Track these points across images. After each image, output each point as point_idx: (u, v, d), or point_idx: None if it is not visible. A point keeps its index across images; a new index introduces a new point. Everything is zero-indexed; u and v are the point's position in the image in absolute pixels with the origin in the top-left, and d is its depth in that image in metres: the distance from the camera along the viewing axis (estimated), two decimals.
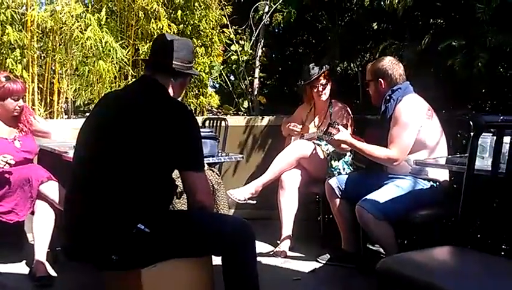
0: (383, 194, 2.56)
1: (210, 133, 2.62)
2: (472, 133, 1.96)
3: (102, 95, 3.56)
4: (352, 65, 5.08)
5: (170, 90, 1.83)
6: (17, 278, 2.73)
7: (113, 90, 3.12)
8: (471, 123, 2.71)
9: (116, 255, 1.60)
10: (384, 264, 1.74)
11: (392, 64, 2.75)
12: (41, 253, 2.69)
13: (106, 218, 1.64)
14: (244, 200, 3.27)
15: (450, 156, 2.60)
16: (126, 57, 3.90)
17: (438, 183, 2.64)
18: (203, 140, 2.51)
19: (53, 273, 2.70)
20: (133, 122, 1.71)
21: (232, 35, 4.44)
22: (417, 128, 2.60)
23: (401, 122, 2.61)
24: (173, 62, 1.84)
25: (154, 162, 1.68)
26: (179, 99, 3.47)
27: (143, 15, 3.91)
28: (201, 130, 2.84)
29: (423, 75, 3.18)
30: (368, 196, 2.56)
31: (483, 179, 1.98)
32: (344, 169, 3.21)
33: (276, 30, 5.29)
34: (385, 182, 2.69)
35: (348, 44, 4.41)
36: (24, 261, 2.94)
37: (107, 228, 1.63)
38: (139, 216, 1.64)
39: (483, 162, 2.09)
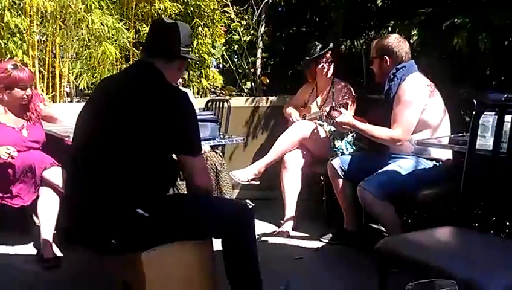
0: (385, 175, 2.56)
1: (211, 116, 2.62)
2: (474, 112, 1.95)
3: (100, 79, 3.57)
4: (356, 43, 5.01)
5: (167, 74, 1.82)
6: (26, 260, 2.78)
7: (110, 74, 3.10)
8: (474, 102, 2.71)
9: (115, 239, 1.62)
10: (384, 244, 1.76)
11: (398, 42, 2.71)
12: (47, 235, 2.72)
13: (105, 202, 1.65)
14: (247, 181, 3.28)
15: (452, 135, 2.58)
16: (128, 39, 3.87)
17: (440, 163, 2.63)
18: (204, 123, 2.57)
19: (60, 254, 2.74)
20: (129, 107, 1.70)
21: (233, 15, 4.39)
22: (421, 108, 2.58)
23: (404, 102, 2.59)
24: (170, 46, 1.83)
25: (151, 146, 1.68)
26: (180, 81, 3.51)
27: None
28: (203, 113, 2.87)
29: (428, 53, 3.14)
30: (370, 177, 2.56)
31: (485, 159, 1.96)
32: (347, 149, 3.20)
33: (280, 9, 5.22)
34: (388, 162, 2.69)
35: (351, 22, 4.34)
36: (32, 244, 2.99)
37: (106, 212, 1.65)
38: (137, 200, 1.65)
39: (485, 141, 2.07)
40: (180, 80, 3.58)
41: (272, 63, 5.14)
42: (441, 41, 3.01)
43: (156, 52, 1.85)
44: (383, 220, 2.60)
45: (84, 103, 1.92)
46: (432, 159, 2.63)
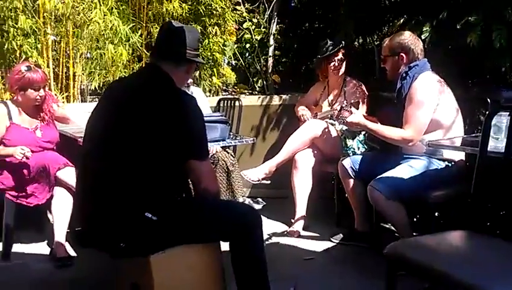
0: (396, 175, 2.54)
1: (221, 118, 2.62)
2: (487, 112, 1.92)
3: (112, 80, 3.60)
4: (368, 40, 4.96)
5: (175, 78, 1.83)
6: (39, 259, 2.83)
7: (119, 78, 3.12)
8: (488, 100, 2.66)
9: (125, 242, 1.64)
10: (393, 248, 1.74)
11: (413, 39, 2.69)
12: (61, 235, 2.77)
13: (113, 206, 1.67)
14: (258, 181, 3.29)
15: (465, 136, 2.54)
16: (138, 40, 3.90)
17: (453, 163, 2.60)
18: (213, 124, 2.58)
19: (73, 253, 2.78)
20: (137, 112, 1.72)
21: (245, 13, 4.38)
22: (433, 108, 2.55)
23: (416, 101, 2.56)
24: (178, 49, 1.84)
25: (158, 151, 1.70)
26: (191, 80, 3.52)
27: None
28: (212, 114, 2.88)
29: (441, 51, 3.09)
30: (380, 176, 2.54)
31: (497, 161, 1.93)
32: (359, 148, 3.18)
33: (293, 4, 5.18)
34: (399, 162, 2.67)
35: (363, 18, 4.29)
36: (46, 242, 3.04)
37: (115, 216, 1.67)
38: (146, 204, 1.67)
39: (498, 143, 2.04)
40: (191, 79, 3.59)
41: (283, 60, 5.11)
42: (453, 38, 2.95)
43: (164, 55, 1.86)
44: (393, 220, 2.58)
45: (95, 105, 1.94)
46: (444, 160, 2.60)
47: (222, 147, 3.40)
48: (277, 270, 2.49)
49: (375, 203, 2.55)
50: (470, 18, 2.82)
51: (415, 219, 3.02)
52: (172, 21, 1.95)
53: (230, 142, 2.77)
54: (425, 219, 2.84)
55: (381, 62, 2.78)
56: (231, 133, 3.03)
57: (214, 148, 3.33)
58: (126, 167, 1.68)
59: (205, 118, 2.57)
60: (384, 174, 2.54)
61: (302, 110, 3.59)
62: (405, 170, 2.55)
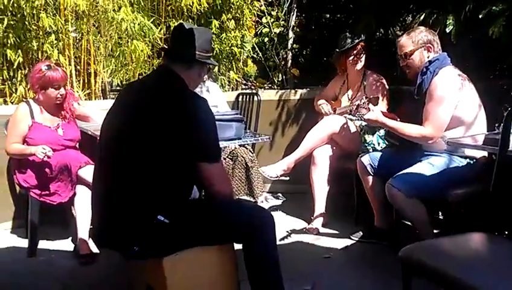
0: (415, 172, 2.49)
1: (236, 116, 2.62)
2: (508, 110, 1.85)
3: (132, 77, 3.62)
4: (390, 31, 4.84)
5: (187, 80, 1.84)
6: (63, 256, 2.91)
7: (132, 81, 3.14)
8: None
9: (138, 245, 1.66)
10: (408, 252, 1.71)
11: (432, 32, 2.64)
12: (83, 232, 2.82)
13: (126, 210, 1.70)
14: (277, 177, 3.28)
15: (488, 133, 2.46)
16: (158, 36, 3.91)
17: (474, 160, 2.53)
18: (229, 123, 2.58)
19: (96, 250, 2.83)
20: (148, 115, 1.73)
21: (263, 7, 4.34)
22: (454, 104, 2.48)
23: (436, 98, 2.49)
24: (189, 52, 1.84)
25: (170, 154, 1.71)
26: (206, 76, 3.52)
27: None
28: (227, 112, 2.88)
29: (465, 44, 3.00)
30: (399, 174, 2.50)
31: None
32: (379, 144, 3.11)
33: None
34: (419, 159, 2.61)
35: (385, 9, 4.18)
36: (70, 238, 3.11)
37: (128, 219, 1.69)
38: (158, 207, 1.68)
39: None
40: (206, 75, 3.58)
41: (304, 53, 5.06)
42: (476, 30, 2.85)
43: (175, 57, 1.87)
44: (412, 218, 2.54)
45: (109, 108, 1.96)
46: (465, 157, 2.53)
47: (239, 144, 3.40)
48: (295, 268, 2.51)
49: (394, 202, 2.51)
50: (493, 8, 2.72)
51: (438, 216, 2.98)
52: (184, 23, 1.95)
53: (246, 141, 2.77)
54: (447, 217, 2.78)
55: (401, 61, 2.69)
56: (248, 131, 3.02)
57: (232, 145, 3.34)
58: (138, 171, 1.70)
59: (220, 117, 2.64)
60: (402, 172, 2.50)
61: (322, 103, 3.55)
62: (425, 168, 2.50)
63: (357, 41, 3.33)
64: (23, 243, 3.04)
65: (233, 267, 1.81)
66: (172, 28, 2.09)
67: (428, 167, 2.50)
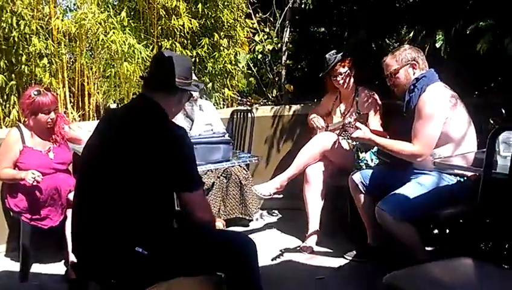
0: (403, 193, 2.47)
1: (222, 138, 2.61)
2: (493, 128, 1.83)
3: (123, 101, 3.60)
4: (386, 42, 4.84)
5: (167, 108, 1.84)
6: (55, 279, 2.89)
7: (113, 109, 3.15)
8: (503, 110, 2.55)
9: (115, 278, 1.65)
10: (392, 278, 1.68)
11: (416, 50, 2.65)
12: (73, 256, 2.81)
13: (103, 241, 1.69)
14: (270, 195, 3.26)
15: (478, 151, 2.44)
16: (150, 56, 3.93)
17: (465, 178, 2.50)
18: (216, 145, 2.57)
19: None
20: (126, 145, 1.73)
21: (255, 25, 4.36)
22: (442, 121, 2.46)
23: (425, 115, 2.48)
24: (168, 79, 1.84)
25: (149, 185, 1.70)
26: (197, 94, 3.52)
27: (164, 12, 3.91)
28: (214, 135, 2.87)
29: (454, 59, 2.99)
30: (388, 196, 2.48)
31: (505, 182, 1.84)
32: (372, 160, 3.10)
33: (307, 9, 5.10)
34: (409, 178, 2.59)
35: (379, 21, 4.18)
36: (63, 262, 3.10)
37: (105, 251, 1.68)
38: (136, 238, 1.67)
39: (507, 162, 1.94)
40: (198, 94, 3.59)
41: (299, 67, 5.05)
42: (464, 46, 2.84)
43: (154, 85, 1.87)
44: (403, 241, 2.50)
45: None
46: (456, 175, 2.50)
47: None
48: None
49: (383, 225, 2.49)
50: (481, 23, 2.71)
51: (432, 232, 2.94)
52: (164, 51, 1.96)
53: (234, 163, 2.75)
54: (437, 237, 2.74)
55: (388, 80, 2.69)
56: (237, 151, 3.01)
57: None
58: (115, 201, 1.69)
59: (208, 139, 2.64)
60: (391, 194, 2.48)
61: (315, 118, 3.53)
62: (414, 188, 2.48)
63: (336, 61, 3.29)
64: (17, 266, 3.03)
65: None
66: (152, 57, 2.09)
67: (417, 187, 2.48)
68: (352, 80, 3.37)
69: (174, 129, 1.76)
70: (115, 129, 1.81)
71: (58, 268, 3.06)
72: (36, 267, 3.03)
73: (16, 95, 3.66)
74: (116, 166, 1.71)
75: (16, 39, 3.48)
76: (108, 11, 3.66)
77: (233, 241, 1.79)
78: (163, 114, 1.81)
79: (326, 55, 3.36)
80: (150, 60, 3.96)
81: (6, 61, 3.52)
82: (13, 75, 3.57)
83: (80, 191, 1.82)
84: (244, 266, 1.74)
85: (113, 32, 3.54)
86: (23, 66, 3.56)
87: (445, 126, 2.47)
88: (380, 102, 3.38)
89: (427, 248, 2.65)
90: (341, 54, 3.35)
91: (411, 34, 3.52)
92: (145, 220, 1.70)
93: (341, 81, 3.33)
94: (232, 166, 3.24)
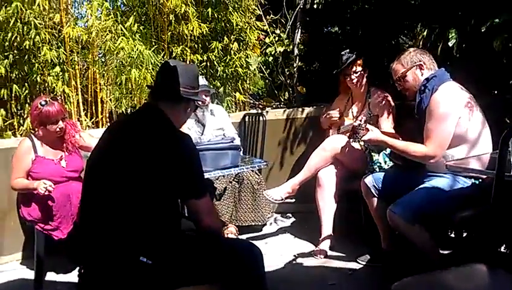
0: (416, 196, 2.40)
1: (231, 144, 2.59)
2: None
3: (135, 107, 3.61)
4: (401, 39, 4.75)
5: (173, 117, 1.83)
6: (68, 287, 2.90)
7: (119, 118, 3.16)
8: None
9: (121, 289, 1.64)
10: (401, 286, 1.63)
11: (421, 51, 2.62)
12: None
13: (107, 250, 1.68)
14: (281, 200, 3.23)
15: (492, 152, 2.36)
16: (161, 62, 3.95)
17: (480, 181, 2.42)
18: (224, 151, 2.55)
19: None
20: (133, 153, 1.72)
21: (266, 27, 4.33)
22: (455, 120, 2.39)
23: (437, 115, 2.42)
24: (174, 88, 1.83)
25: (153, 193, 1.69)
26: (208, 99, 3.51)
27: (173, 18, 3.91)
28: (222, 141, 2.84)
29: (468, 59, 2.91)
30: (400, 199, 2.42)
31: None
32: (386, 162, 3.03)
33: (319, 9, 5.05)
34: (422, 181, 2.52)
35: (393, 19, 4.10)
36: (77, 270, 3.12)
37: (109, 261, 1.68)
38: (141, 248, 1.66)
39: None
40: (209, 98, 3.59)
41: (311, 68, 5.00)
42: (479, 43, 2.76)
43: (160, 95, 1.87)
44: (417, 244, 2.43)
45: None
46: (470, 177, 2.42)
47: None
48: None
49: (396, 228, 2.43)
50: (495, 20, 2.62)
51: (449, 234, 2.86)
52: (170, 60, 1.95)
53: (242, 169, 2.73)
54: (453, 240, 2.67)
55: (398, 86, 2.65)
56: (247, 156, 2.98)
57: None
58: (119, 210, 1.69)
59: (215, 146, 2.62)
60: (403, 197, 2.42)
61: (329, 114, 3.45)
62: (427, 191, 2.41)
63: (350, 60, 3.25)
64: (31, 274, 3.06)
65: None
66: (160, 67, 2.08)
67: (430, 190, 2.41)
68: (365, 80, 3.32)
69: (178, 137, 1.75)
70: (119, 137, 1.81)
71: (72, 277, 3.08)
72: (51, 276, 3.05)
73: (30, 104, 3.71)
74: (120, 174, 1.71)
75: (28, 48, 3.52)
76: (115, 18, 3.67)
77: (238, 249, 1.77)
78: (168, 122, 1.80)
79: (342, 53, 3.31)
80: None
81: (19, 71, 3.57)
82: (26, 85, 3.62)
83: (84, 199, 1.82)
84: (249, 274, 1.72)
85: (122, 39, 3.55)
86: (35, 75, 3.60)
87: (458, 126, 2.40)
88: (393, 103, 3.31)
89: (443, 252, 2.59)
90: (355, 53, 3.29)
91: (425, 33, 3.43)
92: (150, 229, 1.69)
93: (354, 80, 3.28)
94: (241, 172, 3.21)
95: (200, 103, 2.70)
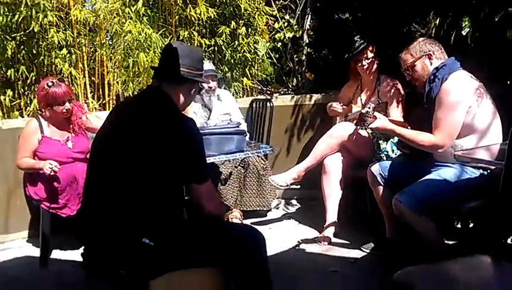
0: (423, 186, 2.38)
1: (236, 129, 2.57)
2: None
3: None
4: (414, 28, 4.67)
5: (176, 99, 1.81)
6: (73, 265, 2.92)
7: (124, 100, 3.14)
8: None
9: (124, 269, 1.64)
10: (403, 275, 1.62)
11: (431, 41, 2.57)
12: None
13: (111, 233, 1.69)
14: (287, 186, 3.22)
15: (502, 143, 2.32)
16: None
17: (488, 171, 2.38)
18: (229, 136, 2.54)
19: None
20: (135, 135, 1.72)
21: (275, 12, 4.27)
22: (465, 110, 2.35)
23: (446, 104, 2.38)
24: (177, 70, 1.81)
25: (155, 175, 1.69)
26: (215, 84, 3.49)
27: (181, 1, 3.87)
28: (228, 125, 2.83)
29: (481, 48, 2.85)
30: (407, 189, 2.39)
31: None
32: (393, 151, 3.01)
33: None
34: (430, 170, 2.49)
35: (403, 8, 4.03)
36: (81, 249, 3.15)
37: (113, 242, 1.68)
38: (143, 229, 1.66)
39: None
40: (215, 83, 3.56)
41: (320, 54, 4.94)
42: (492, 33, 2.70)
43: (164, 76, 1.85)
44: (422, 234, 2.41)
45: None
46: (479, 168, 2.39)
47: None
48: (298, 283, 2.47)
49: (401, 217, 2.41)
50: (510, 9, 2.56)
51: (456, 225, 2.84)
52: (174, 42, 1.93)
53: (248, 153, 2.71)
54: (459, 231, 2.64)
55: (407, 76, 2.61)
56: (252, 142, 2.97)
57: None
58: (122, 191, 1.69)
59: (220, 130, 2.61)
60: (410, 187, 2.39)
61: (333, 105, 3.44)
62: (433, 181, 2.38)
63: (363, 46, 3.20)
64: (37, 252, 3.09)
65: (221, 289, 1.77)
66: (163, 48, 2.06)
67: (437, 179, 2.38)
68: (376, 67, 3.28)
69: (181, 120, 1.74)
70: (123, 119, 1.81)
71: (78, 255, 3.10)
72: (56, 253, 3.08)
73: (37, 85, 3.71)
74: (123, 156, 1.71)
75: (36, 30, 3.51)
76: (123, 1, 3.64)
77: (240, 234, 1.76)
78: (170, 104, 1.79)
79: (355, 38, 3.26)
80: None
81: (27, 52, 3.56)
82: (34, 66, 3.61)
83: (89, 179, 1.82)
84: (252, 258, 1.72)
85: (129, 23, 3.52)
86: (43, 57, 3.59)
87: (467, 116, 2.36)
88: (402, 92, 3.27)
89: (448, 242, 2.57)
90: (367, 39, 3.24)
91: (437, 21, 3.37)
92: (153, 211, 1.69)
93: (365, 66, 3.24)
94: (247, 157, 3.20)
95: (204, 85, 2.68)
